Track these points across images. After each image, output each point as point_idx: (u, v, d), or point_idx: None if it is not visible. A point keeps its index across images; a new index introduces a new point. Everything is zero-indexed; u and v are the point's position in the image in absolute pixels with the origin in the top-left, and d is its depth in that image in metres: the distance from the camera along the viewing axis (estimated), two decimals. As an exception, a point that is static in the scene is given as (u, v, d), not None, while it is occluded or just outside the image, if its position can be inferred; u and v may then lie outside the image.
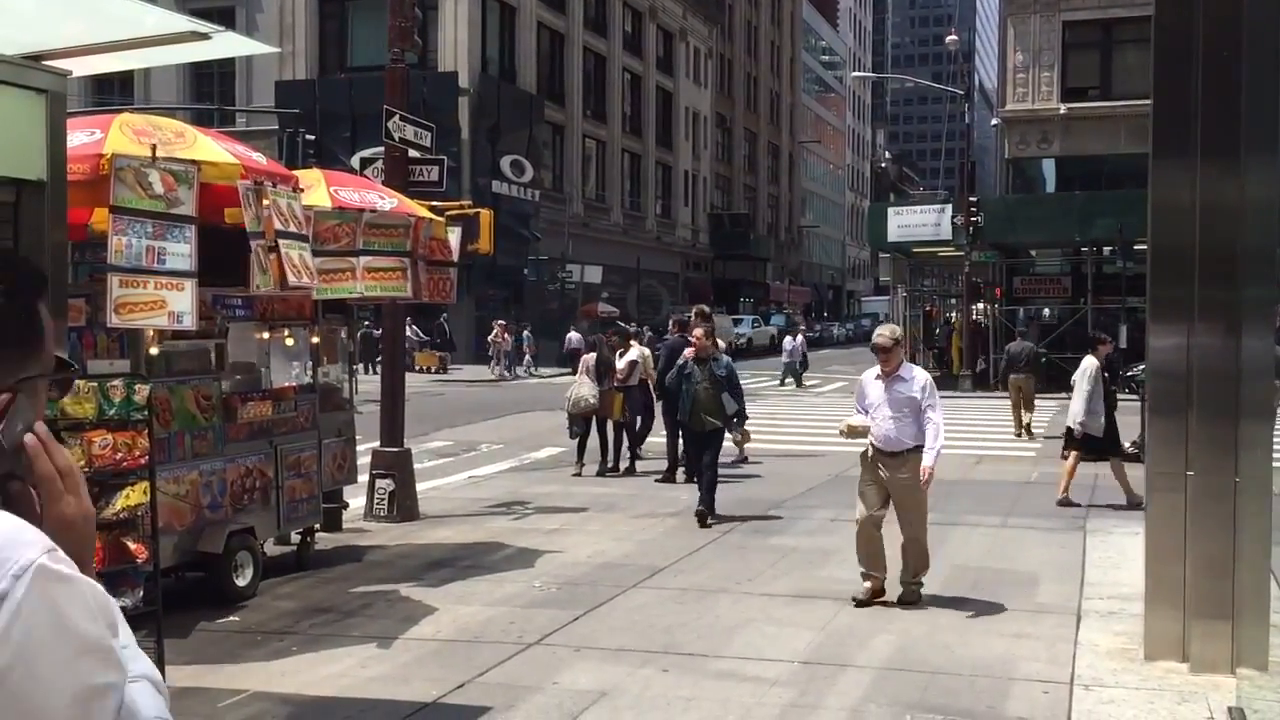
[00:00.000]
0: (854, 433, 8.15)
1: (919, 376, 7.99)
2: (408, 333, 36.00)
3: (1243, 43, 6.12)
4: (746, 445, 12.09)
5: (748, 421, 11.56)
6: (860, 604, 7.80)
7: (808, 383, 32.62)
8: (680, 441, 13.86)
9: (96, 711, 1.26)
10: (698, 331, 11.33)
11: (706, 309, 16.81)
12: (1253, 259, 6.13)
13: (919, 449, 7.76)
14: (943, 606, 7.89)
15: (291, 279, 7.10)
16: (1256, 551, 6.06)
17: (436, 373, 35.65)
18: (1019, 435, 19.29)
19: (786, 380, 32.36)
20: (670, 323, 16.02)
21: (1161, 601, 6.33)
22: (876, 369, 8.05)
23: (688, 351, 11.36)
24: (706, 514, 10.83)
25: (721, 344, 16.65)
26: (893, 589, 8.00)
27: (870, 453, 7.98)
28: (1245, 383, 6.08)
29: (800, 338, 34.00)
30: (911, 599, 7.91)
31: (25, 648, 1.21)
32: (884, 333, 8.17)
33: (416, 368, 35.72)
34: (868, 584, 7.91)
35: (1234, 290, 6.14)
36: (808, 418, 22.75)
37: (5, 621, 1.20)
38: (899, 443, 7.83)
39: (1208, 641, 6.11)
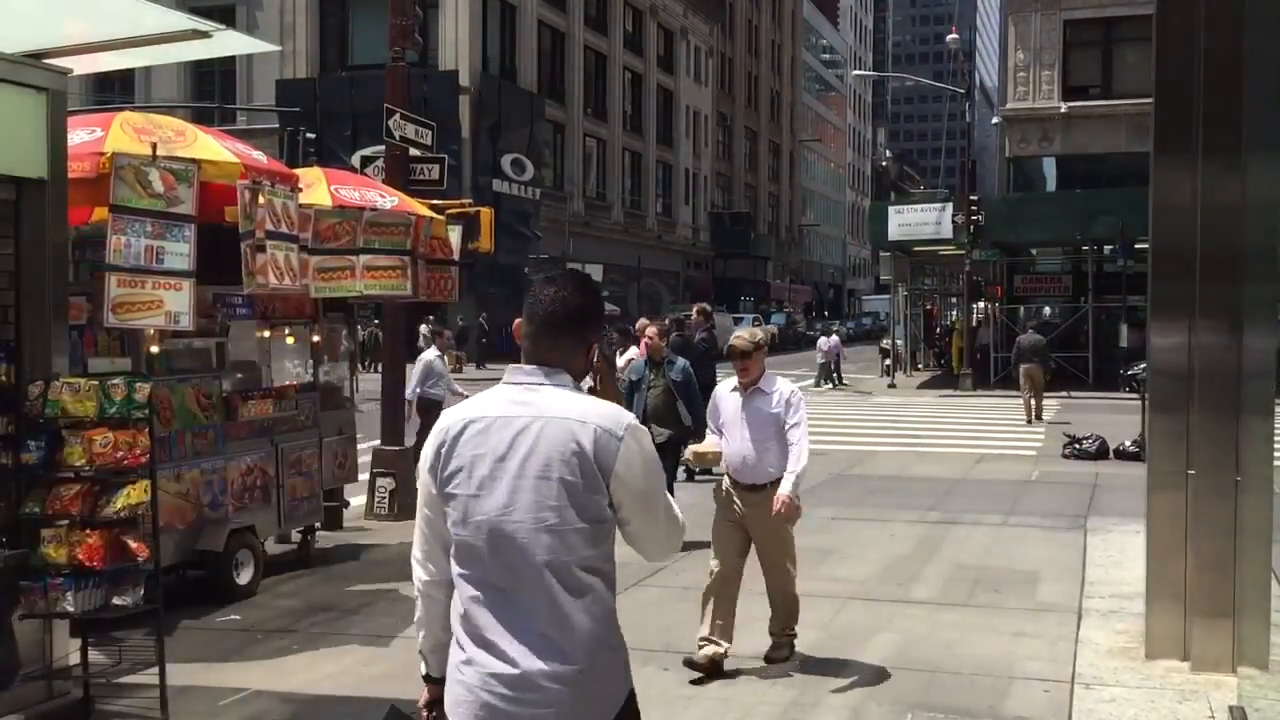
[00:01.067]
0: (701, 460, 6.70)
1: (782, 389, 6.45)
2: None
3: (1244, 41, 6.12)
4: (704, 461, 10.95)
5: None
6: (692, 665, 6.35)
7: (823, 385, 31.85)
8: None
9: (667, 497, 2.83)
10: (650, 330, 9.98)
11: (708, 307, 16.83)
12: (1254, 257, 6.12)
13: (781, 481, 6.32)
14: (943, 605, 7.89)
15: (273, 280, 7.10)
16: (1257, 550, 6.05)
17: (453, 371, 35.20)
18: (1029, 422, 20.38)
19: (823, 383, 30.97)
20: (667, 321, 15.98)
21: (1162, 600, 6.33)
22: (734, 379, 6.56)
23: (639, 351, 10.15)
24: None
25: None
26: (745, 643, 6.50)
27: (726, 484, 6.56)
28: (1246, 381, 6.07)
29: (835, 337, 33.08)
30: (780, 655, 6.63)
31: (631, 461, 2.67)
32: (743, 335, 6.51)
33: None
34: (706, 650, 6.36)
35: (1235, 288, 6.13)
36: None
37: (624, 449, 2.67)
38: (757, 472, 6.38)
39: (1209, 640, 6.10)
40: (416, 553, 2.92)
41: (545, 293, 2.82)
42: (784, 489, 6.25)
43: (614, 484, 2.69)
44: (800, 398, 6.49)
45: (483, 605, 2.72)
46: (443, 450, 2.81)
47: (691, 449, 6.75)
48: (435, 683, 2.98)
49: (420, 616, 2.95)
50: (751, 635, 7.13)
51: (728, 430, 6.47)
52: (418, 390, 13.16)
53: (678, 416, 9.65)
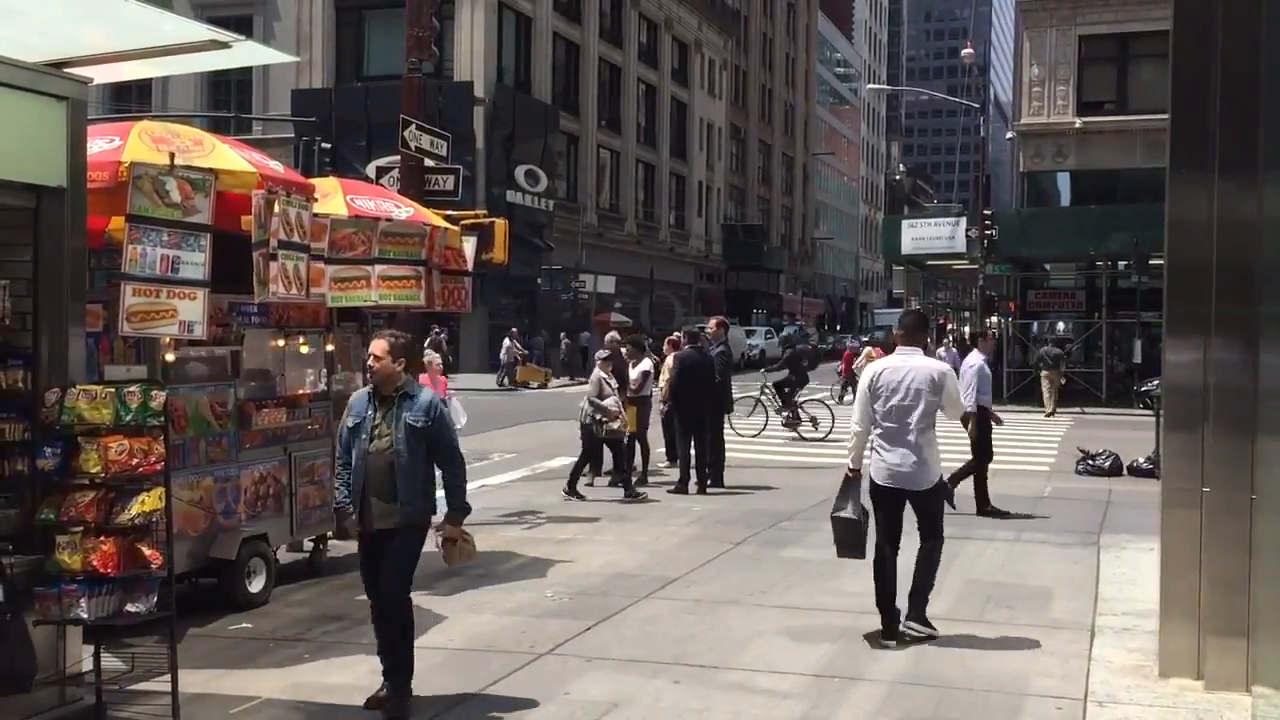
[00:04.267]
0: None
1: None
2: (508, 345, 35.59)
3: (1261, 57, 6.11)
4: (467, 556, 6.45)
5: (471, 516, 6.48)
6: None
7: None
8: (693, 452, 13.87)
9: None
10: (378, 345, 6.12)
11: (726, 320, 16.83)
12: (1271, 274, 6.09)
13: None
14: (956, 621, 7.86)
15: (281, 290, 7.13)
16: (1272, 568, 6.02)
17: (539, 387, 34.28)
18: (1048, 415, 25.30)
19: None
20: (681, 333, 16.01)
21: (1176, 618, 6.30)
22: None
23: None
24: (397, 714, 5.96)
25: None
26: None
27: None
28: (1262, 398, 6.05)
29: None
30: None
31: (948, 385, 7.31)
32: None
33: (519, 382, 34.59)
34: None
35: (1251, 306, 6.11)
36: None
37: (947, 380, 7.36)
38: None
39: (1223, 659, 6.07)
40: (856, 416, 7.29)
41: (910, 318, 7.80)
42: None
43: (942, 394, 7.16)
44: None
45: (888, 439, 7.16)
46: (875, 378, 7.24)
47: None
48: (855, 471, 7.28)
49: (854, 444, 7.29)
50: (757, 647, 7.11)
51: None
52: None
53: (413, 487, 6.06)
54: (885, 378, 7.24)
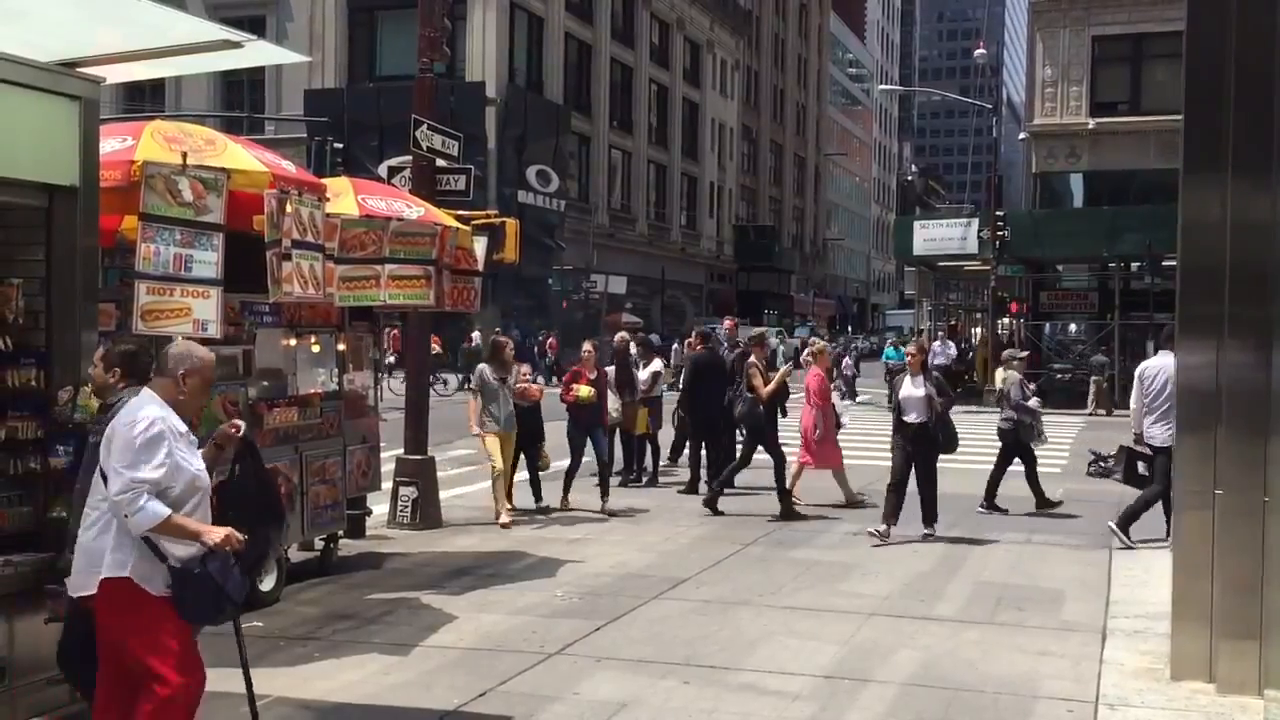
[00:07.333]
0: None
1: None
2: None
3: (1276, 57, 6.07)
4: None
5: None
6: None
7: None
8: (704, 453, 13.86)
9: None
10: (96, 353, 5.40)
11: (737, 321, 16.82)
12: (1284, 276, 6.07)
13: None
14: (966, 623, 7.84)
15: (297, 289, 7.13)
16: (1286, 571, 5.99)
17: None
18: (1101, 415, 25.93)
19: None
20: (694, 333, 15.99)
21: (1188, 620, 6.27)
22: None
23: None
24: None
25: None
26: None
27: None
28: (1276, 400, 6.02)
29: (949, 345, 30.47)
30: None
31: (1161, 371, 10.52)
32: None
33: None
34: None
35: (1265, 307, 6.08)
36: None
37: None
38: None
39: (1235, 662, 6.04)
40: (1133, 398, 10.49)
41: (1168, 329, 9.65)
42: None
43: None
44: None
45: (1150, 414, 10.24)
46: (1142, 373, 10.38)
47: None
48: (1138, 435, 10.51)
49: (1133, 418, 10.51)
50: (767, 648, 7.11)
51: None
52: None
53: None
54: (1148, 373, 10.32)
